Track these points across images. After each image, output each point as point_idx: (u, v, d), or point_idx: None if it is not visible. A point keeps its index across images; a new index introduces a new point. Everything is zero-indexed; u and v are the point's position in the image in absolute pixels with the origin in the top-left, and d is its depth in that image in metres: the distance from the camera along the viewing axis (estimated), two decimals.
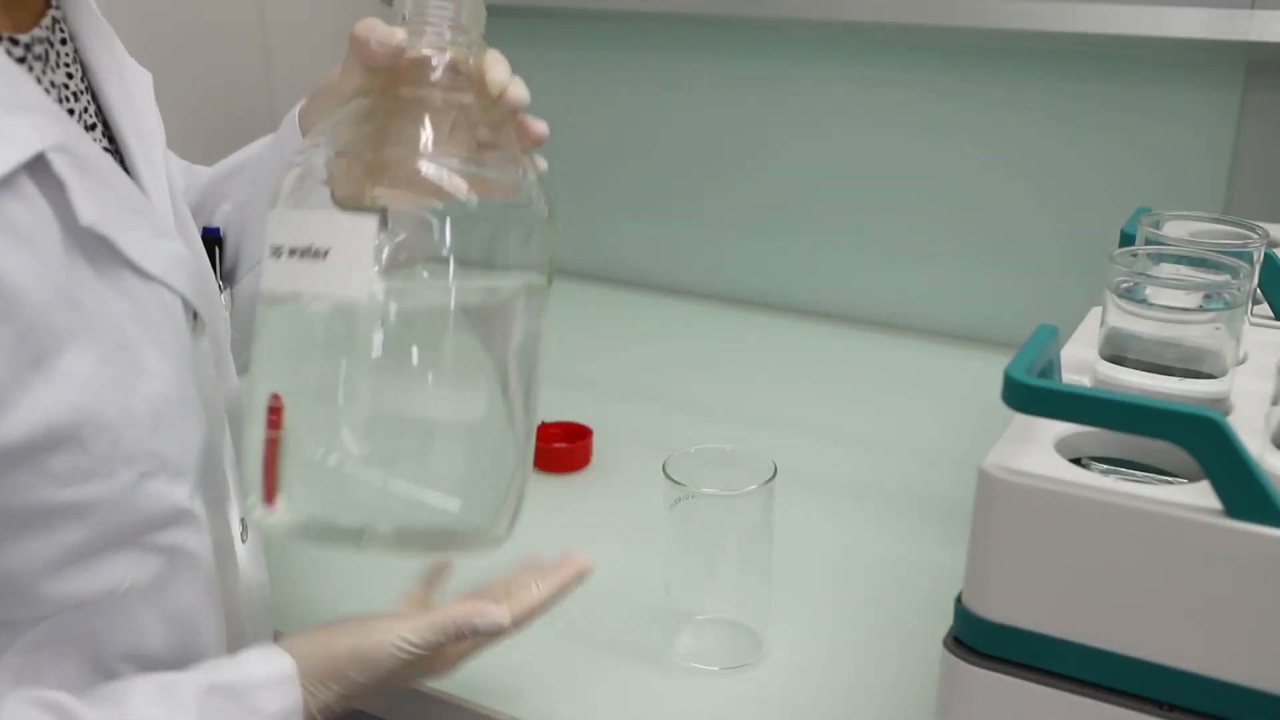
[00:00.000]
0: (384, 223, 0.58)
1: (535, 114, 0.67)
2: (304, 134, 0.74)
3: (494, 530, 0.62)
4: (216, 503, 0.68)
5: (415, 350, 0.59)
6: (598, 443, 1.07)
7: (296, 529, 0.59)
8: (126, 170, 0.66)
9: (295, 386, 0.59)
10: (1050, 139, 1.28)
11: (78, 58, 0.66)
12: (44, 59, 0.63)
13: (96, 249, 0.59)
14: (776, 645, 0.80)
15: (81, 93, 0.65)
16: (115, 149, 0.67)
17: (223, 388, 0.71)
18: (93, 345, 0.57)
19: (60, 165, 0.56)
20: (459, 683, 0.76)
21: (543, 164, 0.66)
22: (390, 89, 0.63)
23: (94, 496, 0.57)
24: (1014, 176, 1.31)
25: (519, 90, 0.65)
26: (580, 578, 0.73)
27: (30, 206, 0.55)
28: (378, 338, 0.58)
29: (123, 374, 0.59)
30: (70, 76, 0.65)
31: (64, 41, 0.65)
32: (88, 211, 0.57)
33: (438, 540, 0.62)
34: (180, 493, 0.62)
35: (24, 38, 0.61)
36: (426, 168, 0.60)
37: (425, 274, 0.59)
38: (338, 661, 0.63)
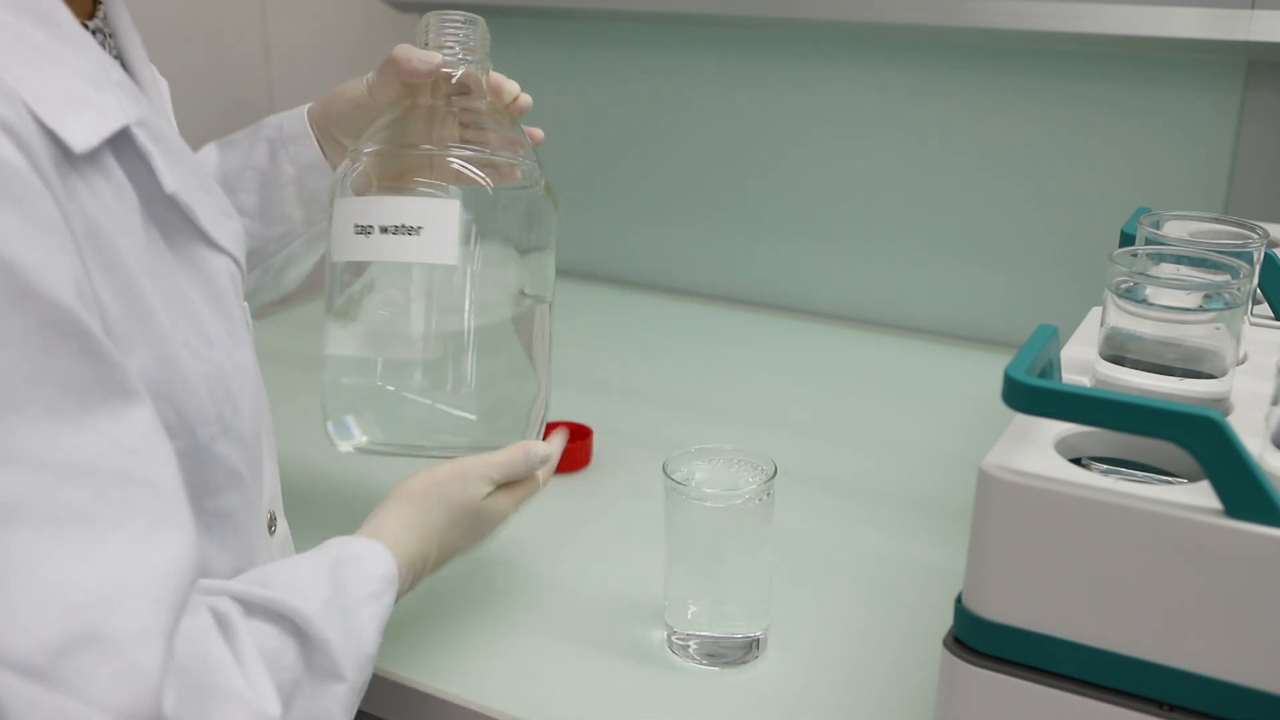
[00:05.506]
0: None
1: (539, 115, 0.85)
2: (315, 132, 0.86)
3: (525, 432, 0.80)
4: (255, 467, 0.68)
5: (480, 307, 0.76)
6: (598, 443, 1.07)
7: (367, 448, 0.77)
8: None
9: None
10: (1049, 139, 1.28)
11: (118, 55, 0.67)
12: (103, 47, 0.64)
13: (171, 220, 0.61)
14: (776, 645, 0.80)
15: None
16: None
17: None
18: (167, 314, 0.59)
19: (143, 139, 0.59)
20: (459, 682, 0.76)
21: (539, 134, 0.85)
22: (417, 98, 0.79)
23: (177, 451, 0.57)
24: (1013, 176, 1.31)
25: (526, 97, 0.83)
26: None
27: (110, 180, 0.57)
28: (468, 296, 0.75)
29: (192, 341, 0.60)
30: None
31: (110, 36, 0.66)
32: (170, 180, 0.60)
33: (473, 443, 0.76)
34: (238, 456, 0.63)
35: (91, 23, 0.64)
36: (457, 162, 0.76)
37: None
38: (440, 482, 0.71)
